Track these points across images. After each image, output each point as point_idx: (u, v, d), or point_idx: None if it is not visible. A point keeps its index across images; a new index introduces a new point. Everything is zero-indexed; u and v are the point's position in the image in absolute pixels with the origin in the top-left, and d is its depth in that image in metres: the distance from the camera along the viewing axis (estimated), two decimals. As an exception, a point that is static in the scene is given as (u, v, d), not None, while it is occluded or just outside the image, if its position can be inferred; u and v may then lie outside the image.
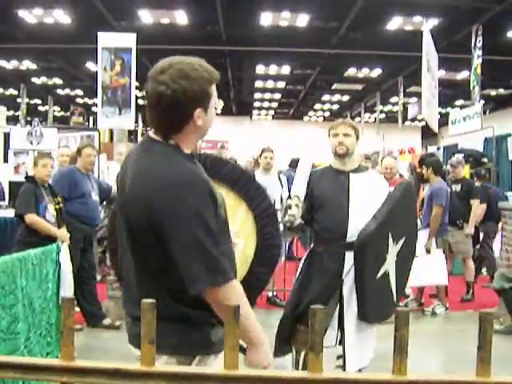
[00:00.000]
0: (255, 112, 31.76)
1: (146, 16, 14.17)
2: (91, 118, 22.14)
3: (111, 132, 14.37)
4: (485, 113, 15.73)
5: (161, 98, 1.87)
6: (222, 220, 1.96)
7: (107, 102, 9.31)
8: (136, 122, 24.64)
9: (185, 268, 1.81)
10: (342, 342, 3.74)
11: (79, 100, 26.25)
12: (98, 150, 9.37)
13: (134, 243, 1.93)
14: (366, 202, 3.73)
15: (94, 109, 22.07)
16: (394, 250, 3.67)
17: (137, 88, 10.27)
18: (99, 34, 9.62)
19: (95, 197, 6.10)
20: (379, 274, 3.61)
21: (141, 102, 26.38)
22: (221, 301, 1.80)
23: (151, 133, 1.99)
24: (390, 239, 3.62)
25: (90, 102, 25.16)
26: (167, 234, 1.81)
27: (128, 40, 9.48)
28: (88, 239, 6.10)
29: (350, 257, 3.66)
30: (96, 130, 10.46)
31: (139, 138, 23.76)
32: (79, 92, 24.99)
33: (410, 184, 4.44)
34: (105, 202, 6.95)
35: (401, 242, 3.69)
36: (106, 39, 9.46)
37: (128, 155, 2.07)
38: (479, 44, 13.58)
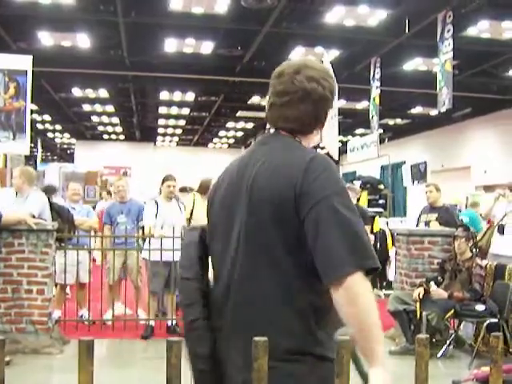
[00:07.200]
0: (159, 138, 31.48)
1: (46, 38, 13.77)
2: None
3: (5, 157, 13.75)
4: (383, 141, 16.36)
5: (310, 94, 1.83)
6: None
7: (0, 127, 8.92)
8: (35, 146, 23.87)
9: (331, 251, 1.60)
10: None
11: (-26, 123, 25.09)
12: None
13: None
14: None
15: (-10, 132, 21.09)
16: None
17: (34, 112, 9.91)
18: (-8, 54, 9.23)
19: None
20: None
21: (40, 126, 25.67)
22: (357, 291, 1.57)
23: (273, 130, 1.92)
24: None
25: (-14, 125, 24.05)
26: (313, 216, 1.64)
27: (23, 62, 9.10)
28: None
29: None
30: (-12, 155, 9.99)
31: (38, 164, 22.90)
32: (-26, 115, 23.89)
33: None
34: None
35: None
36: (0, 60, 9.08)
37: (248, 152, 1.93)
38: (377, 75, 14.15)
